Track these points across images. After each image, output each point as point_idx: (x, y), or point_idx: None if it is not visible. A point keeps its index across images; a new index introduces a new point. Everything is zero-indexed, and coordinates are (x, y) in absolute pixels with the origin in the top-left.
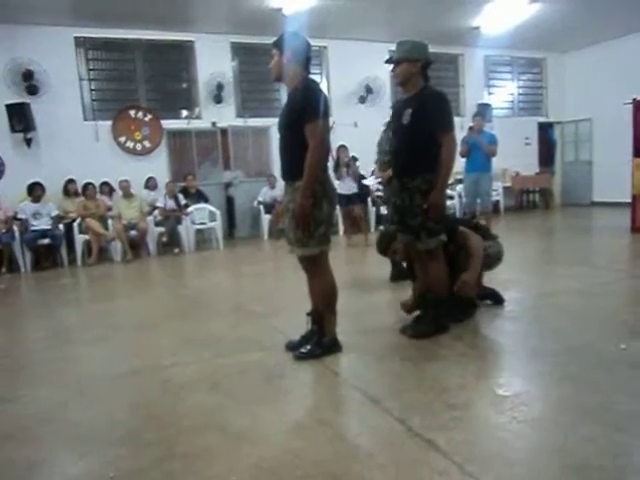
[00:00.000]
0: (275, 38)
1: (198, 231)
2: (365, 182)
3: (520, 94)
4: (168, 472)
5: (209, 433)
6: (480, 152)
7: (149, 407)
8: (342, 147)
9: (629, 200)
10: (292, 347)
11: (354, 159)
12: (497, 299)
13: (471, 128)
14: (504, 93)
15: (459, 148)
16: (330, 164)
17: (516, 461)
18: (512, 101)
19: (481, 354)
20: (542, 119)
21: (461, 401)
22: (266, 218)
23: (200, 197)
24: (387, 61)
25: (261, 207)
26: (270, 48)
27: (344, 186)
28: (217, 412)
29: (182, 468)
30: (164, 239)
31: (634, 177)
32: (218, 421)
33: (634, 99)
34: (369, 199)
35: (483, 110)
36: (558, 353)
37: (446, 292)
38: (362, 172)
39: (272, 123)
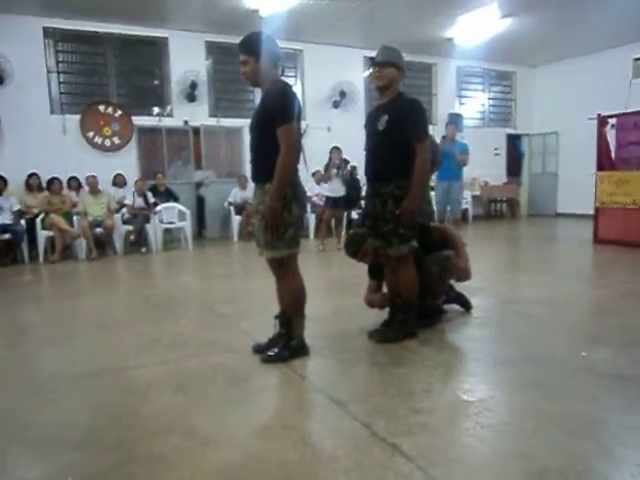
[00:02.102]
0: (242, 41)
1: (167, 230)
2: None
3: (490, 105)
4: (129, 476)
5: (173, 436)
6: (452, 161)
7: (111, 409)
8: (335, 149)
9: (592, 212)
10: (259, 350)
11: (346, 162)
12: (465, 304)
13: (444, 137)
14: (475, 104)
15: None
16: (302, 166)
17: (479, 466)
18: (482, 112)
19: (447, 360)
20: (511, 131)
21: (427, 406)
22: (236, 219)
23: (170, 196)
24: (371, 62)
25: (232, 208)
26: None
27: (332, 188)
28: (182, 415)
29: (144, 472)
30: (131, 238)
31: (597, 190)
32: (183, 424)
33: (598, 115)
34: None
35: (455, 119)
36: (522, 360)
37: (415, 298)
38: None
39: (245, 124)
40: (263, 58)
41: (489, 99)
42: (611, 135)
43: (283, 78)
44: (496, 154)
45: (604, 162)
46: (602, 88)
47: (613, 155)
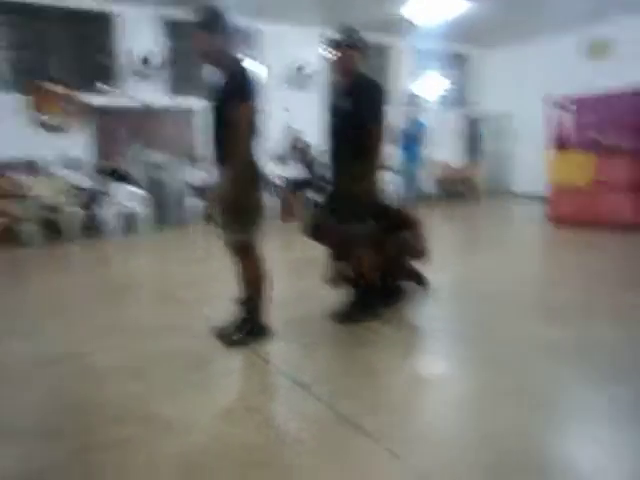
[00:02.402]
0: (197, 17)
1: (123, 214)
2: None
3: (448, 87)
4: (87, 463)
5: (132, 422)
6: (413, 142)
7: (68, 396)
8: (294, 131)
9: (546, 192)
10: (221, 334)
11: (306, 144)
12: (424, 284)
13: (406, 118)
14: (433, 85)
15: (395, 137)
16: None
17: (441, 442)
18: (441, 93)
19: (409, 338)
20: (468, 112)
21: (389, 385)
22: (195, 202)
23: (126, 179)
24: (330, 43)
25: (191, 190)
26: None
27: (294, 170)
28: (141, 400)
29: (102, 458)
30: (86, 222)
31: (550, 170)
32: (142, 410)
33: (551, 96)
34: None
35: (414, 100)
36: (480, 337)
37: (377, 278)
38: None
39: (199, 103)
40: (218, 34)
41: (447, 80)
42: (564, 116)
43: (239, 56)
44: (454, 136)
45: (557, 142)
46: (555, 69)
47: (566, 135)
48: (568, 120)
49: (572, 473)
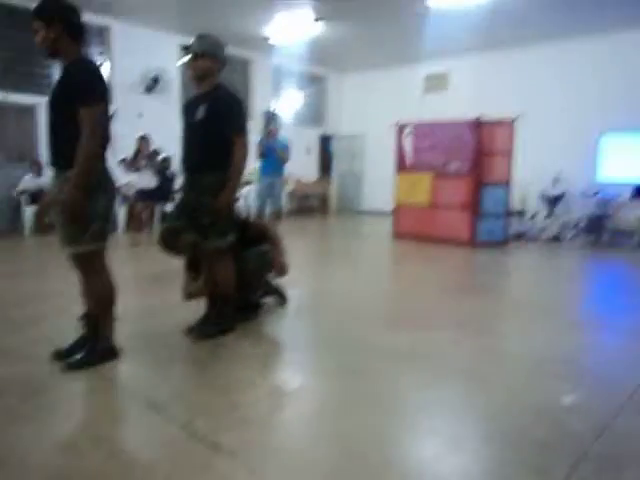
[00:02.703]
0: (35, 6)
1: None
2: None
3: (304, 105)
4: None
5: None
6: (274, 157)
7: None
8: (143, 138)
9: (391, 209)
10: (61, 356)
11: (156, 152)
12: (281, 297)
13: (269, 133)
14: (289, 103)
15: (257, 151)
16: (110, 153)
17: (301, 453)
18: (296, 111)
19: (265, 351)
20: (322, 131)
21: (246, 400)
22: (30, 210)
23: None
24: (187, 50)
25: (23, 197)
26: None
27: (143, 180)
28: None
29: None
30: None
31: (395, 190)
32: None
33: (397, 122)
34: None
35: (271, 117)
36: (333, 348)
37: (233, 292)
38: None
39: (41, 101)
40: (58, 26)
41: (303, 99)
42: (408, 141)
43: (86, 54)
44: (308, 153)
45: (401, 165)
46: (401, 98)
47: (409, 159)
48: (408, 144)
49: (415, 462)
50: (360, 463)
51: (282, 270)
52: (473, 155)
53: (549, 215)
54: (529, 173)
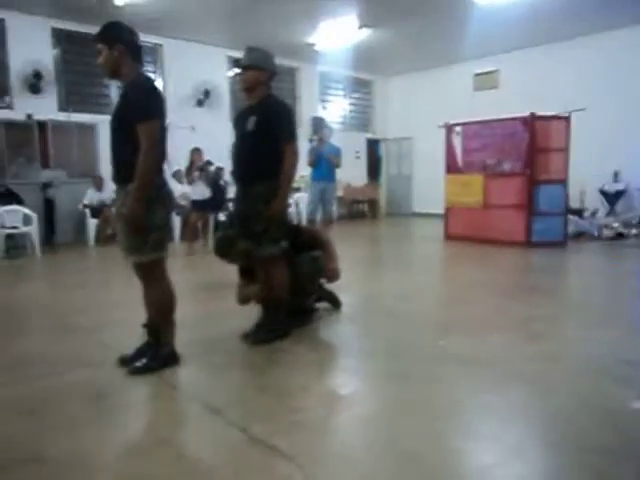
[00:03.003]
0: (98, 30)
1: (9, 236)
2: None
3: (351, 111)
4: None
5: (24, 466)
6: (326, 163)
7: None
8: (196, 150)
9: (443, 211)
10: (125, 362)
11: (209, 163)
12: (335, 302)
13: (320, 140)
14: (337, 108)
15: (307, 158)
16: (166, 166)
17: (356, 458)
18: (344, 117)
19: (320, 357)
20: (370, 135)
21: (303, 404)
22: (93, 222)
23: (11, 198)
24: (236, 64)
25: (87, 210)
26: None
27: (197, 191)
28: (34, 441)
29: None
30: None
31: (446, 191)
32: (35, 451)
33: (446, 123)
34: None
35: (320, 123)
36: (387, 352)
37: (287, 297)
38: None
39: (101, 120)
40: (120, 48)
41: (350, 104)
42: (458, 141)
43: (143, 72)
44: (357, 157)
45: (451, 166)
46: (449, 98)
47: (459, 159)
48: (458, 144)
49: (475, 469)
50: (417, 470)
51: (334, 275)
52: (527, 153)
53: (610, 212)
54: (587, 169)
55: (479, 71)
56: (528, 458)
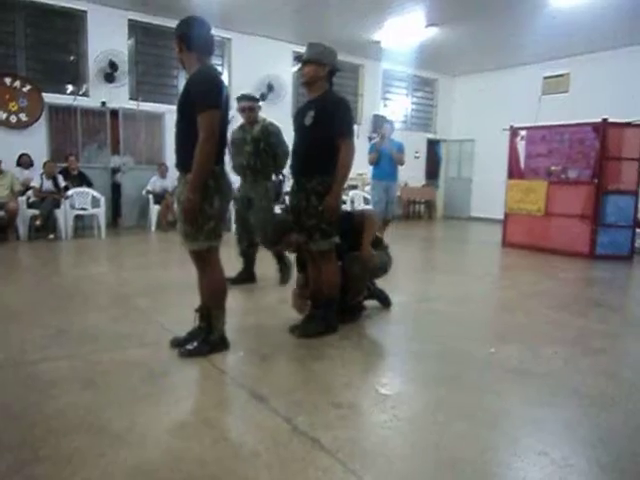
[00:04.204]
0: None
1: (78, 217)
2: None
3: (413, 110)
4: (30, 477)
5: (81, 434)
6: (389, 160)
7: (11, 406)
8: None
9: (502, 217)
10: (178, 344)
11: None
12: (385, 301)
13: (382, 136)
14: (398, 107)
15: (369, 155)
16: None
17: (396, 457)
18: (405, 115)
19: (366, 354)
20: (431, 135)
21: (346, 400)
22: (155, 208)
23: (82, 180)
24: (297, 59)
25: (150, 197)
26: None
27: None
28: (91, 412)
29: (47, 472)
30: (38, 223)
31: (507, 197)
32: (92, 421)
33: (511, 126)
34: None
35: (380, 120)
36: (435, 355)
37: (337, 293)
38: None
39: (168, 110)
40: (187, 42)
41: (412, 103)
42: (522, 146)
43: (210, 64)
44: (416, 157)
45: (514, 171)
46: (514, 101)
47: (522, 165)
48: (523, 150)
49: None
50: (456, 478)
51: (384, 273)
52: (596, 160)
53: None
54: None
55: (549, 74)
56: (576, 477)
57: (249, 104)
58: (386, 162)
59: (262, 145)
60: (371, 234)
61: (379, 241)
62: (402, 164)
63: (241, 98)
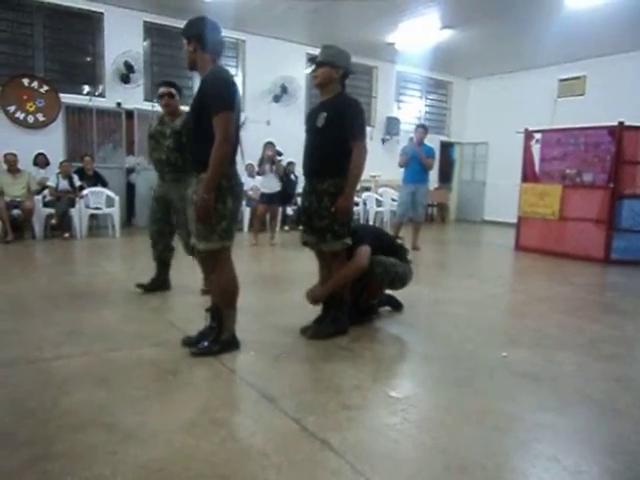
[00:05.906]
0: (185, 24)
1: (93, 216)
2: None
3: (426, 112)
4: (43, 473)
5: (93, 431)
6: (418, 163)
7: (25, 402)
8: (269, 144)
9: (515, 221)
10: (189, 343)
11: (279, 154)
12: (396, 305)
13: (412, 139)
14: (412, 109)
15: (399, 158)
16: (239, 158)
17: (405, 460)
18: (419, 118)
19: (377, 357)
20: (444, 138)
21: (355, 402)
22: None
23: (98, 180)
24: (311, 61)
25: None
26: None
27: (267, 184)
28: (104, 409)
29: (59, 468)
30: (53, 221)
31: (521, 200)
32: (104, 418)
33: (525, 129)
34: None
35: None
36: (447, 358)
37: (347, 295)
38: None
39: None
40: (202, 43)
41: (426, 106)
42: (536, 149)
43: (222, 66)
44: None
45: (528, 174)
46: (529, 104)
47: (537, 168)
48: (537, 153)
49: None
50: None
51: (402, 286)
52: (612, 164)
53: None
54: None
55: (564, 76)
56: None
57: (168, 90)
58: (415, 166)
59: (184, 139)
60: (350, 270)
61: (403, 253)
62: (431, 168)
63: (160, 84)
